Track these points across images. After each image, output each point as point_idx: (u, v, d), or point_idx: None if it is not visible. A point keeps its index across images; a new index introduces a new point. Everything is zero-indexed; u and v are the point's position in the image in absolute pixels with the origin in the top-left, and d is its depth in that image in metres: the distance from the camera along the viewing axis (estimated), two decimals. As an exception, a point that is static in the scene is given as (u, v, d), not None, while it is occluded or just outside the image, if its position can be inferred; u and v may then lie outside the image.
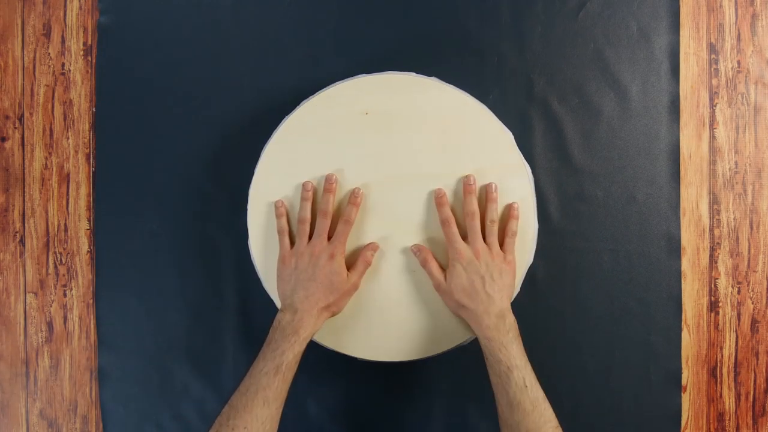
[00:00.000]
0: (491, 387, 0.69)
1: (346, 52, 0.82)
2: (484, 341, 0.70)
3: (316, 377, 0.82)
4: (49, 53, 0.83)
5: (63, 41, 0.83)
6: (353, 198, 0.76)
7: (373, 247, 0.76)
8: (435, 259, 0.75)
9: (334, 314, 0.75)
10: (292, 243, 0.76)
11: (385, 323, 0.79)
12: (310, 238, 0.75)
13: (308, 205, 0.76)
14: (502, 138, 0.79)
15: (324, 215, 0.75)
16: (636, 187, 0.83)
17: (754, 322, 0.83)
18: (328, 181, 0.76)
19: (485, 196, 0.76)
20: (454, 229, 0.74)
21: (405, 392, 0.83)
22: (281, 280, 0.74)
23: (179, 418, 0.83)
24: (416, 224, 0.78)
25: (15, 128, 0.84)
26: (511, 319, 0.71)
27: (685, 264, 0.83)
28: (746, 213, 0.84)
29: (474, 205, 0.75)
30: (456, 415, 0.83)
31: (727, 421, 0.83)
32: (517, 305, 0.80)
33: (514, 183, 0.78)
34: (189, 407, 0.83)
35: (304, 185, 0.76)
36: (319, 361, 0.80)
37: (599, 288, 0.82)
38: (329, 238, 0.75)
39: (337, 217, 0.76)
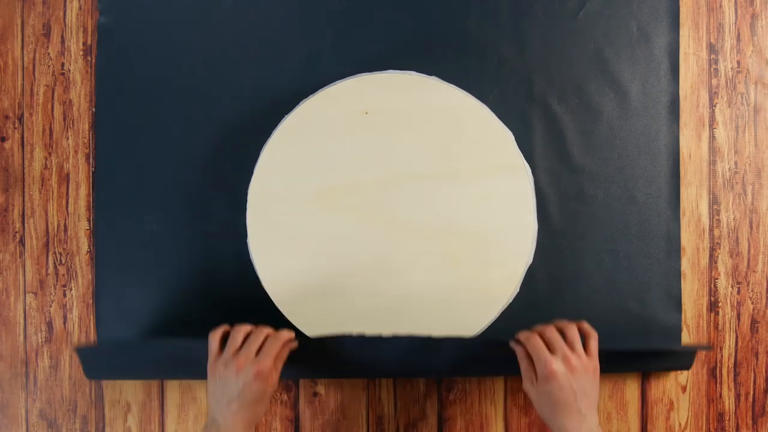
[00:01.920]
0: None
1: (346, 52, 0.82)
2: None
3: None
4: (48, 53, 0.83)
5: (63, 41, 0.83)
6: (292, 342, 0.73)
7: (290, 345, 0.73)
8: (529, 359, 0.71)
9: (257, 422, 0.72)
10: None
11: (379, 326, 0.79)
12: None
13: (248, 327, 0.72)
14: (502, 138, 0.79)
15: (236, 331, 0.71)
16: (636, 187, 0.83)
17: (753, 323, 0.83)
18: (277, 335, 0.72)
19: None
20: (539, 341, 0.69)
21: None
22: (209, 389, 0.71)
23: (179, 418, 0.83)
24: (415, 224, 0.78)
25: (15, 128, 0.83)
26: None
27: (685, 264, 0.83)
28: (746, 213, 0.84)
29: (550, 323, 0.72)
30: None
31: (726, 421, 0.83)
32: (517, 305, 0.80)
33: (514, 183, 0.78)
34: (189, 407, 0.83)
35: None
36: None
37: (599, 288, 0.82)
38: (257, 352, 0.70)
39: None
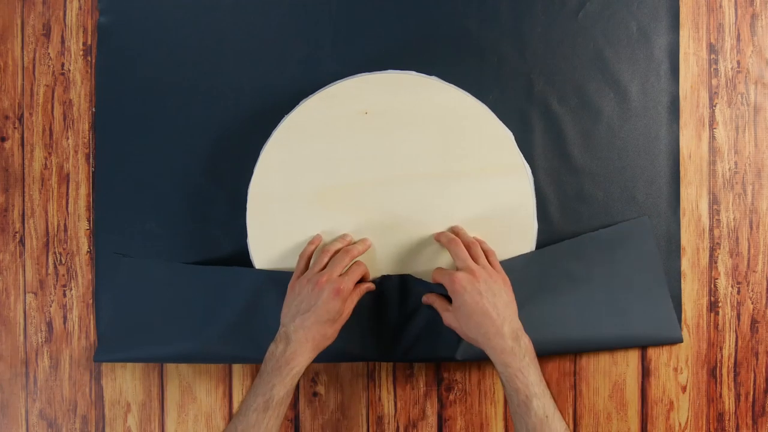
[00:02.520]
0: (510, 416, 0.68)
1: (346, 52, 0.82)
2: (501, 367, 0.67)
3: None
4: (48, 53, 0.83)
5: (63, 41, 0.83)
6: (362, 241, 0.77)
7: (368, 286, 0.76)
8: (439, 296, 0.75)
9: (325, 346, 0.73)
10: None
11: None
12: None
13: (338, 244, 0.76)
14: (502, 138, 0.79)
15: (345, 252, 0.74)
16: (636, 187, 0.83)
17: (753, 323, 0.83)
18: (343, 237, 0.77)
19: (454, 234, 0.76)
20: (443, 268, 0.74)
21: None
22: (285, 305, 0.73)
23: (179, 418, 0.83)
24: (415, 223, 0.78)
25: (15, 128, 0.83)
26: (526, 340, 0.68)
27: (685, 264, 0.83)
28: (746, 213, 0.84)
29: (451, 234, 0.75)
30: None
31: (726, 422, 0.83)
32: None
33: (514, 183, 0.78)
34: (189, 407, 0.83)
35: (343, 234, 0.77)
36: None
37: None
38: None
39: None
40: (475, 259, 0.72)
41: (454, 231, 0.77)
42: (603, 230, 0.81)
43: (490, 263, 0.73)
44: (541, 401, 0.65)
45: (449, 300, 0.72)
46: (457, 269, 0.72)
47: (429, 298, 0.76)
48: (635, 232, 0.81)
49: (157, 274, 0.81)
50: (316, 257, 0.75)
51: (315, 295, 0.71)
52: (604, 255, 0.81)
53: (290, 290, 0.73)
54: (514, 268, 0.76)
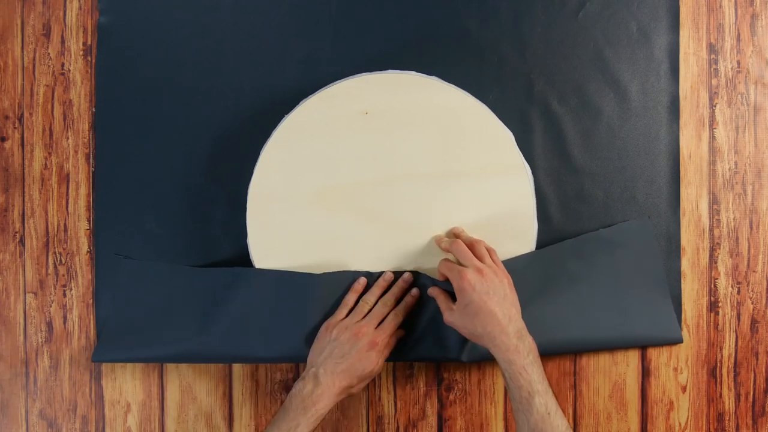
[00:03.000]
0: (512, 413, 0.68)
1: (346, 52, 0.82)
2: (505, 365, 0.68)
3: None
4: (48, 53, 0.83)
5: (63, 41, 0.83)
6: (410, 297, 0.77)
7: (398, 333, 0.77)
8: (443, 292, 0.75)
9: (350, 394, 0.74)
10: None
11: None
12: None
13: (378, 291, 0.77)
14: (502, 138, 0.79)
15: (384, 304, 0.75)
16: (636, 187, 0.83)
17: (753, 323, 0.83)
18: (384, 279, 0.77)
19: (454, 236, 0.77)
20: (450, 262, 0.73)
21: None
22: (316, 345, 0.74)
23: (179, 418, 0.83)
24: (415, 224, 0.78)
25: (15, 128, 0.83)
26: (529, 339, 0.69)
27: (685, 264, 0.83)
28: (746, 213, 0.84)
29: (452, 238, 0.76)
30: None
31: (726, 422, 0.83)
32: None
33: (514, 183, 0.78)
34: (189, 407, 0.83)
35: (384, 275, 0.78)
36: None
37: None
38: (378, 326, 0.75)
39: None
40: (479, 258, 0.72)
41: (455, 233, 0.77)
42: (604, 230, 0.81)
43: (493, 261, 0.73)
44: (543, 398, 0.66)
45: (453, 298, 0.73)
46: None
47: (434, 291, 0.75)
48: (636, 232, 0.81)
49: (156, 275, 0.81)
50: (358, 306, 0.76)
51: (351, 343, 0.72)
52: (605, 255, 0.81)
53: (325, 332, 0.74)
54: (515, 268, 0.76)
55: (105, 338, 0.81)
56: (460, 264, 0.72)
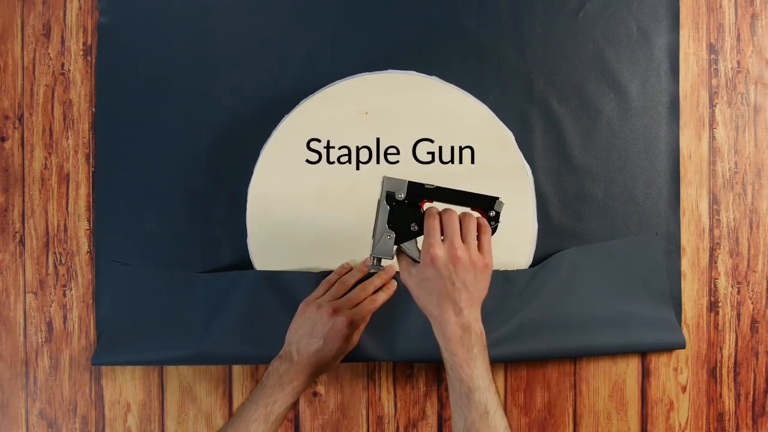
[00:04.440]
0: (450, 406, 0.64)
1: (346, 52, 0.82)
2: (447, 354, 0.64)
3: None
4: (48, 53, 0.83)
5: (63, 41, 0.83)
6: (384, 273, 0.77)
7: (372, 300, 0.75)
8: (407, 255, 0.69)
9: (324, 373, 0.74)
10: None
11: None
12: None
13: (358, 275, 0.77)
14: (502, 138, 0.79)
15: (363, 289, 0.75)
16: (636, 187, 0.83)
17: (753, 322, 0.83)
18: (364, 263, 0.78)
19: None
20: (436, 224, 0.66)
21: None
22: (294, 322, 0.74)
23: (179, 418, 0.83)
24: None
25: (15, 128, 0.83)
26: (478, 330, 0.64)
27: (685, 264, 0.83)
28: (746, 213, 0.84)
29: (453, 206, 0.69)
30: None
31: (726, 421, 0.83)
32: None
33: (514, 183, 0.78)
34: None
35: (364, 260, 0.78)
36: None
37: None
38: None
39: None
40: (464, 235, 0.66)
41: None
42: (611, 242, 0.81)
43: (479, 242, 0.67)
44: (483, 395, 0.62)
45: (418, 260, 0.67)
46: (443, 239, 0.66)
47: (399, 249, 0.69)
48: (643, 247, 0.81)
49: (154, 281, 0.81)
50: (336, 285, 0.76)
51: (326, 321, 0.71)
52: (610, 267, 0.81)
53: (301, 311, 0.74)
54: (518, 277, 0.77)
55: (105, 341, 0.81)
56: (444, 231, 0.66)
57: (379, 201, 0.68)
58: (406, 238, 0.68)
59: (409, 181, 0.68)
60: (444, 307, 0.64)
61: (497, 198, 0.69)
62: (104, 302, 0.82)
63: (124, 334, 0.80)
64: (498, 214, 0.69)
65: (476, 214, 0.68)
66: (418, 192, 0.68)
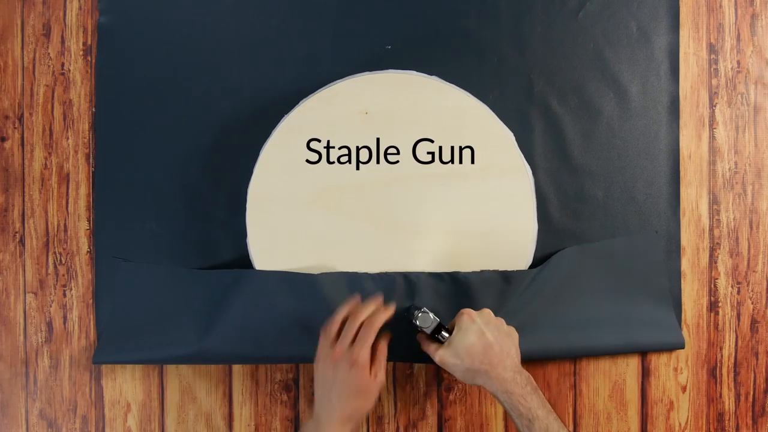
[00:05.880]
0: None
1: (346, 52, 0.82)
2: (504, 396, 0.68)
3: None
4: (48, 53, 0.83)
5: (63, 41, 0.83)
6: (384, 308, 0.73)
7: (385, 337, 0.73)
8: (426, 338, 0.73)
9: (358, 423, 0.71)
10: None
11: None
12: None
13: (345, 314, 0.73)
14: (502, 138, 0.79)
15: (354, 319, 0.71)
16: (636, 187, 0.83)
17: (753, 322, 0.83)
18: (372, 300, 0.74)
19: None
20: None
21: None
22: (315, 384, 0.72)
23: (179, 418, 0.83)
24: (415, 224, 0.78)
25: (15, 128, 0.83)
26: (526, 373, 0.70)
27: (685, 264, 0.83)
28: (746, 213, 0.84)
29: None
30: None
31: (726, 421, 0.83)
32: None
33: (514, 183, 0.78)
34: (189, 407, 0.83)
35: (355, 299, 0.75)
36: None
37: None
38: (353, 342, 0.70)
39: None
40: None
41: None
42: (611, 241, 0.81)
43: None
44: (542, 422, 0.67)
45: (439, 343, 0.72)
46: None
47: (420, 337, 0.74)
48: (643, 247, 0.81)
49: (155, 278, 0.81)
50: (326, 327, 0.72)
51: (333, 372, 0.69)
52: (610, 266, 0.81)
53: (315, 369, 0.72)
54: (518, 277, 0.77)
55: (105, 340, 0.81)
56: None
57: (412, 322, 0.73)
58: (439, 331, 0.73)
59: (439, 322, 0.73)
60: (490, 353, 0.69)
61: None
62: (104, 302, 0.82)
63: (125, 333, 0.81)
64: None
65: None
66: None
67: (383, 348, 0.72)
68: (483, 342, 0.69)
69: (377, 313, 0.72)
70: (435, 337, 0.72)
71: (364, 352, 0.69)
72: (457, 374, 0.70)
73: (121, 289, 0.81)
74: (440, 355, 0.70)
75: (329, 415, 0.69)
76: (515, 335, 0.72)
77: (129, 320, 0.81)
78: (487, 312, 0.72)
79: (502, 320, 0.72)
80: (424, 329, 0.72)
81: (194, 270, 0.80)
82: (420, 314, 0.72)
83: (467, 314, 0.71)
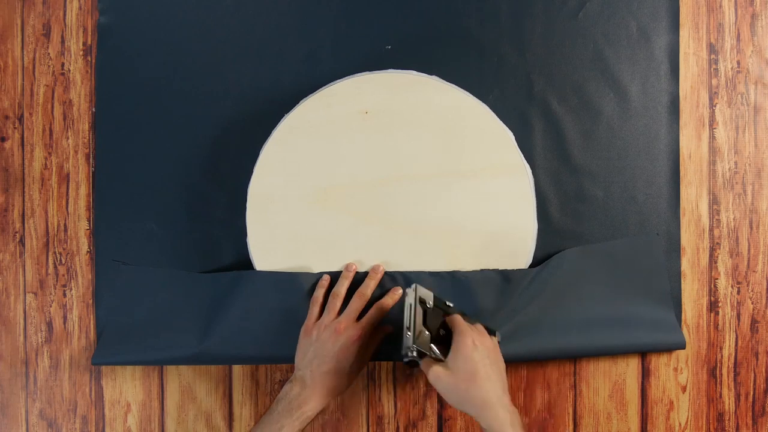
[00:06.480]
0: None
1: (346, 52, 0.82)
2: None
3: None
4: (48, 53, 0.83)
5: (63, 41, 0.83)
6: (372, 272, 0.76)
7: (385, 329, 0.75)
8: (432, 357, 0.71)
9: (340, 392, 0.73)
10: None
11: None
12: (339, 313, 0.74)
13: (346, 283, 0.76)
14: (503, 138, 0.79)
15: (360, 297, 0.74)
16: (636, 187, 0.83)
17: (753, 322, 0.83)
18: (347, 269, 0.76)
19: None
20: (461, 319, 0.71)
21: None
22: (299, 349, 0.73)
23: (179, 418, 0.83)
24: (415, 224, 0.78)
25: (15, 128, 0.83)
26: (515, 411, 0.66)
27: (685, 264, 0.83)
28: (746, 213, 0.84)
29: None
30: None
31: (726, 422, 0.83)
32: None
33: (514, 183, 0.78)
34: (189, 407, 0.83)
35: (347, 266, 0.77)
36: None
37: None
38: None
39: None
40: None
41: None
42: (611, 242, 0.81)
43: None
44: None
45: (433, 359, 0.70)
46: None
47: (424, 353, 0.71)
48: (643, 248, 0.81)
49: (155, 280, 0.81)
50: (330, 302, 0.74)
51: (332, 341, 0.70)
52: (611, 267, 0.81)
53: (305, 335, 0.73)
54: (518, 277, 0.77)
55: (105, 341, 0.81)
56: (456, 328, 0.70)
57: (412, 305, 0.71)
58: (435, 340, 0.71)
59: (435, 295, 0.73)
60: (488, 387, 0.66)
61: (496, 331, 0.76)
62: (104, 302, 0.82)
63: (124, 333, 0.81)
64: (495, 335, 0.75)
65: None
66: (441, 307, 0.73)
67: (379, 335, 0.74)
68: (483, 372, 0.66)
69: (390, 295, 0.75)
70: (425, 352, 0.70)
71: (367, 331, 0.72)
72: (448, 400, 0.68)
73: (120, 291, 0.81)
74: (435, 373, 0.68)
75: (320, 382, 0.70)
76: (503, 365, 0.70)
77: (128, 322, 0.81)
78: (487, 338, 0.70)
79: (496, 345, 0.71)
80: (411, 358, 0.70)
81: (193, 273, 0.80)
82: (408, 347, 0.69)
83: (471, 337, 0.68)
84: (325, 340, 0.71)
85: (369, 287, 0.76)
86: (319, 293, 0.76)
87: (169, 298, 0.80)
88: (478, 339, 0.68)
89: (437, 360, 0.69)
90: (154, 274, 0.81)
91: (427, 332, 0.70)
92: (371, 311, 0.74)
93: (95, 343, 0.82)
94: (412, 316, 0.70)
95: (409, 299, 0.71)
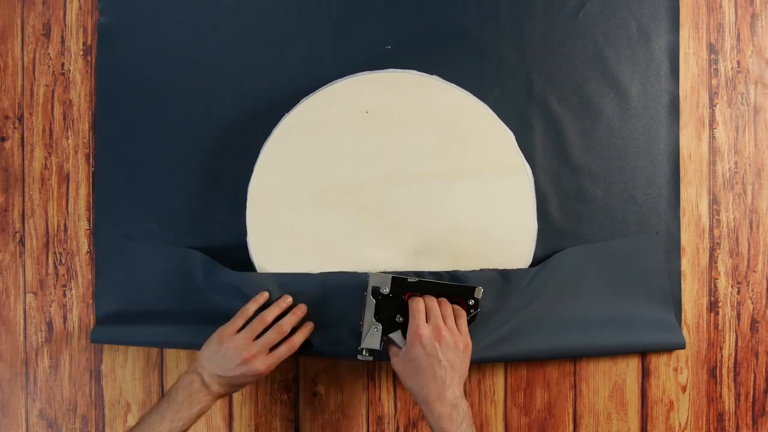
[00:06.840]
0: None
1: (346, 51, 0.82)
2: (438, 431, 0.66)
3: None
4: (48, 53, 0.83)
5: (63, 41, 0.83)
6: (296, 309, 0.75)
7: (290, 346, 0.74)
8: (394, 344, 0.72)
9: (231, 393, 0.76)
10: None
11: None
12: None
13: (276, 312, 0.75)
14: (503, 138, 0.79)
15: (278, 332, 0.73)
16: (636, 187, 0.83)
17: (753, 322, 0.83)
18: (283, 300, 0.76)
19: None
20: (421, 307, 0.71)
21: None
22: (208, 348, 0.72)
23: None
24: (415, 224, 0.78)
25: (15, 128, 0.83)
26: (465, 407, 0.67)
27: (685, 264, 0.83)
28: (746, 213, 0.84)
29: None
30: None
31: (726, 422, 0.83)
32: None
33: (514, 183, 0.78)
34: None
35: (283, 297, 0.76)
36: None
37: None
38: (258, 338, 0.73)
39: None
40: (444, 319, 0.71)
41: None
42: (611, 242, 0.81)
43: (457, 326, 0.71)
44: None
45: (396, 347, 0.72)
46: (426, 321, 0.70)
47: (387, 339, 0.73)
48: (644, 248, 0.81)
49: (160, 256, 0.81)
50: (254, 323, 0.73)
51: (236, 363, 0.70)
52: (611, 267, 0.81)
53: (219, 339, 0.72)
54: (518, 277, 0.77)
55: (105, 319, 0.81)
56: (427, 317, 0.71)
57: (366, 295, 0.72)
58: (393, 329, 0.72)
59: (393, 276, 0.73)
60: (432, 385, 0.67)
61: (476, 287, 0.74)
62: (104, 301, 0.82)
63: (125, 312, 0.81)
64: (477, 301, 0.73)
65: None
66: (402, 286, 0.73)
67: (292, 342, 0.74)
68: (427, 369, 0.68)
69: (302, 332, 0.75)
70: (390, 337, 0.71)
71: (273, 365, 0.72)
72: (403, 384, 0.70)
73: (124, 267, 0.81)
74: (393, 363, 0.71)
75: (219, 386, 0.71)
76: (466, 360, 0.70)
77: (130, 299, 0.81)
78: (445, 334, 0.69)
79: (458, 342, 0.70)
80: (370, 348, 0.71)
81: (197, 251, 0.80)
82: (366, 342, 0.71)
83: (421, 336, 0.69)
84: (231, 358, 0.71)
85: (289, 322, 0.74)
86: (251, 307, 0.75)
87: (172, 276, 0.80)
88: (430, 337, 0.69)
89: (399, 348, 0.71)
90: (160, 249, 0.81)
91: (378, 327, 0.71)
92: (282, 348, 0.73)
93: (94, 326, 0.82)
94: (363, 310, 0.72)
95: (365, 290, 0.72)
